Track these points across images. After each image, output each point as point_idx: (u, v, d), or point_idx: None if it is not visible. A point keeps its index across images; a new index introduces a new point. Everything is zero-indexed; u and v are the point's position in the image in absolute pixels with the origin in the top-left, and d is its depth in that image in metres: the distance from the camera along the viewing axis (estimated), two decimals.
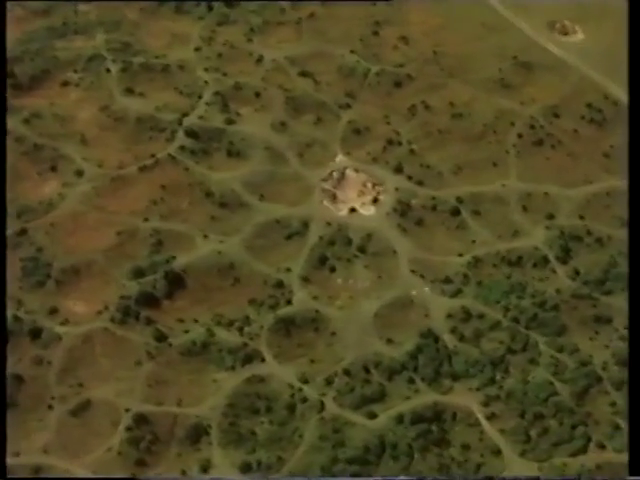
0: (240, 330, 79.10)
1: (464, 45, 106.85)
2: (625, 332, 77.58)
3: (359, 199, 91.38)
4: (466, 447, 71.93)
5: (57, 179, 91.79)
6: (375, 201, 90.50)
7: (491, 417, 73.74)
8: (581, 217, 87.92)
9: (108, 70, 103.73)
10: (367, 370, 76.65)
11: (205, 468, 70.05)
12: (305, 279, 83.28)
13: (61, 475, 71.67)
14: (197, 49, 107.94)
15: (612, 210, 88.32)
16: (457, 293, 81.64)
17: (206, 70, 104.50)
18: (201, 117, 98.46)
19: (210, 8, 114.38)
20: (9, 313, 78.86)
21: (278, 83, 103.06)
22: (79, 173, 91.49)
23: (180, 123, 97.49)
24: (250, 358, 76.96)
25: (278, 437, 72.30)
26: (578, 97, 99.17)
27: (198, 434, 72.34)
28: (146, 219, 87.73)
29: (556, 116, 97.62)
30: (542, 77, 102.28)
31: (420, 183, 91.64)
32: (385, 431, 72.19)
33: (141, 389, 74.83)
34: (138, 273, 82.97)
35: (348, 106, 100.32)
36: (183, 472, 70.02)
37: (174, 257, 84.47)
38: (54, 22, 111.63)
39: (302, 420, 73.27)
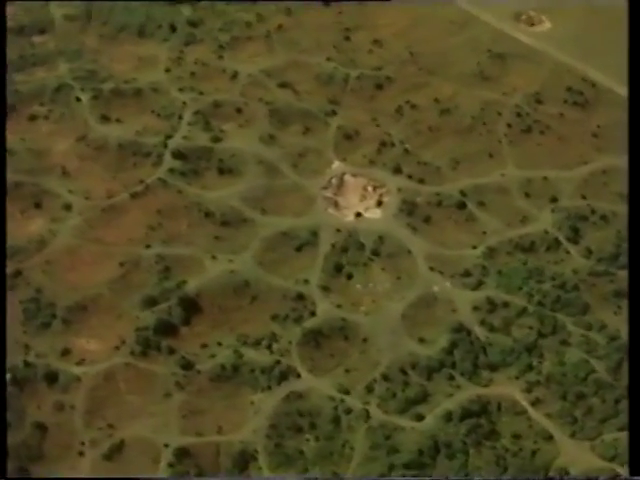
0: (269, 348, 76.57)
1: (437, 43, 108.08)
2: None
3: (361, 204, 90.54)
4: (517, 436, 71.34)
5: (43, 216, 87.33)
6: (380, 204, 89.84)
7: (535, 403, 73.56)
8: (583, 197, 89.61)
9: (78, 99, 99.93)
10: (405, 372, 75.35)
11: None
12: (325, 288, 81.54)
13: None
14: (167, 70, 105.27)
15: (611, 187, 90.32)
16: (479, 285, 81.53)
17: (181, 90, 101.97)
18: (185, 137, 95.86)
19: (173, 29, 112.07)
20: (18, 359, 74.32)
21: (258, 97, 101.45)
22: (67, 207, 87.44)
23: (165, 145, 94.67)
24: (285, 375, 74.48)
25: (328, 452, 69.99)
26: (557, 82, 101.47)
27: (245, 460, 69.33)
28: (148, 246, 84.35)
29: (539, 102, 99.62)
30: (519, 67, 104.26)
31: (421, 181, 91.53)
32: (435, 431, 70.91)
33: (176, 422, 71.34)
34: (150, 302, 79.38)
35: (334, 112, 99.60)
36: None
37: (185, 281, 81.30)
38: (10, 56, 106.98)
39: (350, 432, 71.20)
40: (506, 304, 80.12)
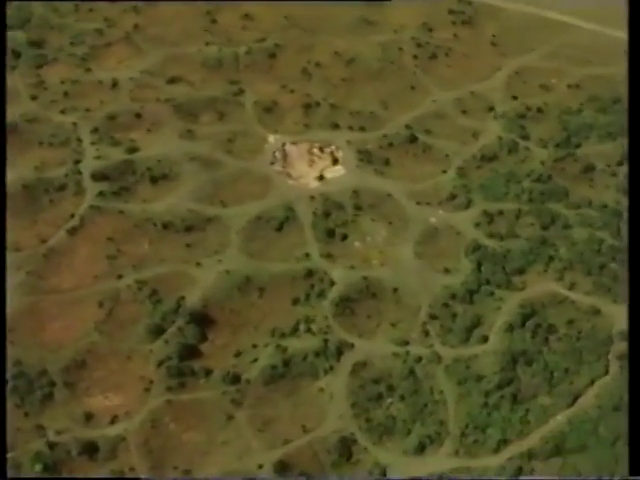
0: (309, 331, 70.83)
1: (307, 4, 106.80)
2: (611, 169, 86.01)
3: (312, 168, 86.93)
4: (571, 322, 72.99)
5: None
6: (336, 161, 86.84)
7: (571, 287, 75.78)
8: (514, 97, 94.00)
9: None
10: (447, 305, 73.72)
11: (384, 472, 62.17)
12: (328, 256, 77.04)
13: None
14: (34, 98, 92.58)
15: (530, 83, 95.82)
16: (468, 203, 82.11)
17: (63, 113, 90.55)
18: (98, 157, 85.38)
19: (17, 55, 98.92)
20: (39, 445, 61.32)
21: (152, 98, 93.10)
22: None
23: (79, 172, 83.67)
24: (339, 350, 69.28)
25: (420, 406, 66.46)
26: (437, 10, 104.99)
27: (347, 447, 63.54)
28: (120, 276, 74.00)
29: (431, 30, 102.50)
30: (396, 6, 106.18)
31: (362, 129, 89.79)
32: (505, 346, 70.15)
33: (255, 439, 63.49)
34: (156, 331, 69.71)
35: (241, 91, 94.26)
36: None
37: (183, 297, 72.46)
38: None
39: (429, 378, 68.16)
40: (501, 212, 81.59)
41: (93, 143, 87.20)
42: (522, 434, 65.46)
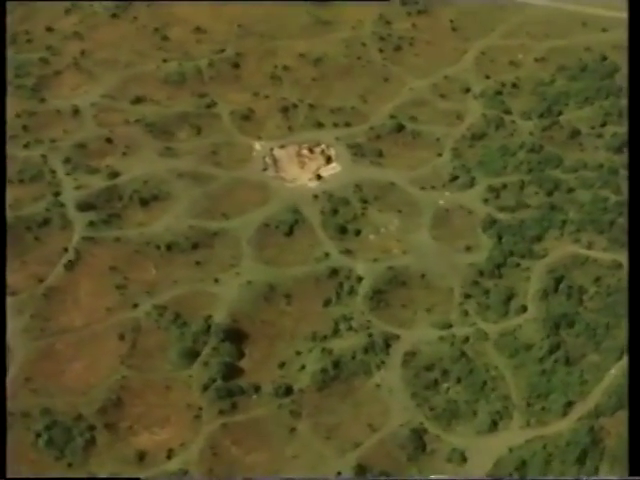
0: (350, 329, 68.02)
1: (254, 11, 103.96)
2: (595, 131, 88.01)
3: (305, 170, 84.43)
4: (597, 278, 73.50)
5: None
6: (329, 159, 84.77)
7: (589, 246, 76.33)
8: (487, 77, 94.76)
9: None
10: (477, 282, 72.65)
11: (464, 457, 60.08)
12: (348, 252, 74.70)
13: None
14: None
15: (498, 61, 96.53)
16: (472, 181, 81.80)
17: (27, 147, 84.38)
18: (78, 187, 79.96)
19: None
20: None
21: (120, 121, 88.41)
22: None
23: (60, 205, 77.94)
24: (386, 343, 66.90)
25: (479, 385, 64.97)
26: (389, 4, 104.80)
27: (419, 438, 60.99)
28: (135, 305, 68.98)
29: (389, 23, 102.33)
30: (346, 5, 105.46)
31: (348, 124, 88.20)
32: (545, 312, 69.83)
33: (326, 447, 60.11)
34: (190, 354, 65.28)
35: (213, 103, 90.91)
36: None
37: (210, 316, 68.20)
38: None
39: (480, 356, 66.95)
40: (504, 185, 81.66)
41: (68, 173, 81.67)
42: (584, 394, 64.95)
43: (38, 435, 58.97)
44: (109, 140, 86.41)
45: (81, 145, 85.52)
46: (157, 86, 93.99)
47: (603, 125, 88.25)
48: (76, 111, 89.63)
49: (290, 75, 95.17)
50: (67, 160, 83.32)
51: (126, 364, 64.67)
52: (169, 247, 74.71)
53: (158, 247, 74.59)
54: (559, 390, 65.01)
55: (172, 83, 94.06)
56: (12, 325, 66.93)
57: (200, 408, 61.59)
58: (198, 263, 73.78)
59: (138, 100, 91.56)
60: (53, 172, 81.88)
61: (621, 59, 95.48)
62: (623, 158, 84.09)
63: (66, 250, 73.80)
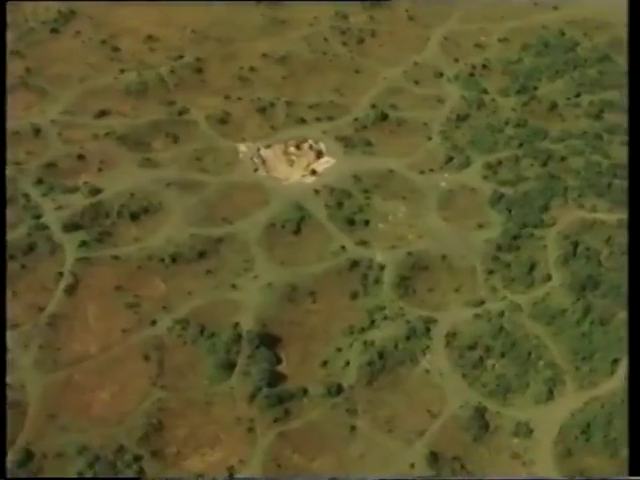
0: (385, 318, 65.59)
1: (205, 17, 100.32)
2: (571, 101, 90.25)
3: (295, 168, 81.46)
4: (608, 238, 74.34)
5: None
6: (320, 153, 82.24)
7: (593, 209, 77.16)
8: (455, 60, 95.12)
9: None
10: (497, 258, 71.73)
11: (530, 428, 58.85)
12: (363, 243, 72.33)
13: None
14: None
15: (465, 43, 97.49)
16: (467, 161, 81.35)
17: None
18: (59, 208, 73.88)
19: None
20: None
21: (88, 136, 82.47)
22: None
23: (43, 227, 71.72)
24: (427, 327, 64.82)
25: (524, 355, 64.20)
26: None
27: (481, 417, 59.19)
28: (154, 322, 63.91)
29: (346, 17, 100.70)
30: (297, 4, 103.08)
31: (330, 118, 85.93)
32: (571, 276, 70.19)
33: (388, 442, 57.30)
34: (226, 365, 60.96)
35: (186, 109, 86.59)
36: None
37: (237, 323, 63.98)
38: None
39: (520, 328, 65.88)
40: (499, 161, 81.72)
41: (45, 194, 75.55)
42: (625, 350, 64.96)
43: (80, 475, 53.34)
44: (81, 157, 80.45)
45: (51, 165, 79.19)
46: (119, 98, 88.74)
47: (578, 95, 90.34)
48: (37, 130, 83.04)
49: (258, 75, 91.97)
50: (39, 181, 76.81)
51: (158, 385, 59.50)
52: (174, 259, 69.78)
53: (162, 260, 69.64)
54: (602, 350, 64.91)
55: (135, 93, 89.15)
56: (21, 360, 60.63)
57: (251, 420, 57.39)
58: (209, 272, 69.31)
59: (102, 113, 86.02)
60: (26, 195, 75.30)
61: (579, 34, 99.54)
62: (604, 123, 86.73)
63: (61, 274, 67.74)
